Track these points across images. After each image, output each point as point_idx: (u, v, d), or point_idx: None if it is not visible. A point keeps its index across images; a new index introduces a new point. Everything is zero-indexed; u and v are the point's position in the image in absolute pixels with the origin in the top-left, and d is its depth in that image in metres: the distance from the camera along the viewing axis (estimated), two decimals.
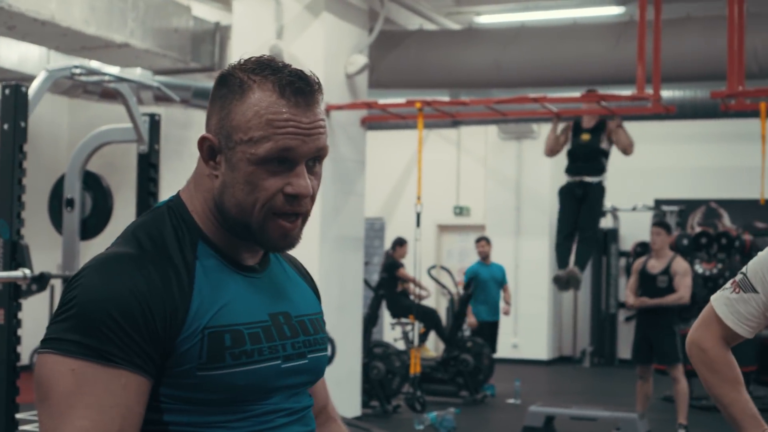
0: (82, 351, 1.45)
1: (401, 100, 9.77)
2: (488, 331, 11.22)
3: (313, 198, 1.61)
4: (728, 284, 2.58)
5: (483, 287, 11.26)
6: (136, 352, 1.48)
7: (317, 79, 1.62)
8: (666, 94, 9.88)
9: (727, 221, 11.17)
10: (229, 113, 1.57)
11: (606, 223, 14.13)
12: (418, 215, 9.26)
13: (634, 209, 13.90)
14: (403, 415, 9.51)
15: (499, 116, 10.27)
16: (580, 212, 9.12)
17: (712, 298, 2.60)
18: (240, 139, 1.55)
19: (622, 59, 9.66)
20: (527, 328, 12.11)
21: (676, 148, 14.43)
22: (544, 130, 13.90)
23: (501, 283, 11.46)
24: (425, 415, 9.00)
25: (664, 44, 8.79)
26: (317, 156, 1.60)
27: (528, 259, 14.07)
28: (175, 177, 12.87)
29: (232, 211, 1.59)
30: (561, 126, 9.39)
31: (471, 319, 11.14)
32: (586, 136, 9.11)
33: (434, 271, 12.39)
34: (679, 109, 10.15)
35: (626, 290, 8.98)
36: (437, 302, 14.34)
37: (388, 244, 13.41)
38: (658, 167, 14.46)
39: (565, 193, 9.22)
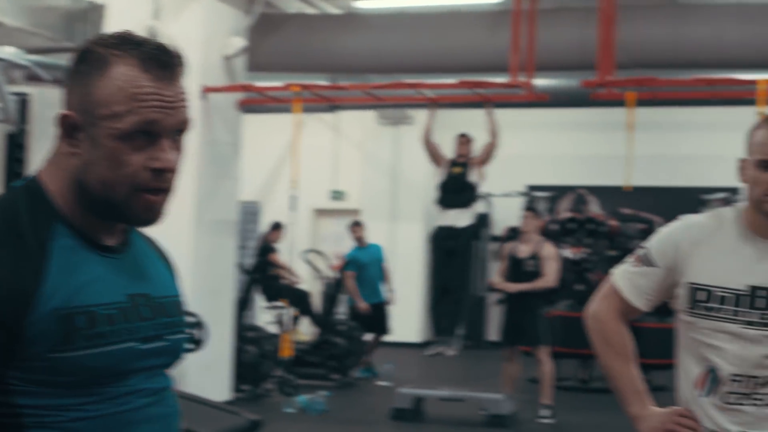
0: None
1: (279, 83, 9.72)
2: (375, 313, 11.24)
3: (177, 172, 1.60)
4: (629, 259, 2.63)
5: (364, 270, 11.27)
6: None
7: (179, 52, 1.61)
8: (539, 82, 10.05)
9: (594, 207, 11.46)
10: (91, 89, 1.54)
11: (479, 208, 14.35)
12: (293, 199, 9.27)
13: (506, 195, 14.14)
14: (274, 398, 9.51)
15: (376, 101, 10.33)
16: (451, 270, 9.51)
17: (614, 271, 2.65)
18: (102, 115, 1.53)
19: (497, 47, 9.80)
20: (400, 312, 12.20)
21: (548, 136, 14.74)
22: (420, 116, 14.01)
23: (380, 262, 11.50)
24: (296, 399, 9.02)
25: (538, 34, 8.96)
26: (180, 129, 1.59)
27: (403, 244, 14.18)
28: (42, 157, 12.56)
29: (96, 189, 1.56)
30: (439, 154, 9.59)
31: (362, 304, 11.13)
32: (457, 169, 9.40)
33: (310, 254, 12.39)
34: (551, 97, 10.34)
35: (495, 274, 9.18)
36: (312, 286, 14.34)
37: (263, 229, 13.36)
38: (531, 154, 14.74)
39: (435, 243, 9.69)
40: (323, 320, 11.03)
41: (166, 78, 1.56)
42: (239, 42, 9.26)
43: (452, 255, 9.49)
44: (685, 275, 2.49)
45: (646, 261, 2.56)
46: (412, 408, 8.57)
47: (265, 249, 11.06)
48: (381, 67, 10.50)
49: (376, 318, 11.20)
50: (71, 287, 1.52)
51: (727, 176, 12.30)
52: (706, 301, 2.45)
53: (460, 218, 9.44)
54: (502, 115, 10.95)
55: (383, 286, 11.40)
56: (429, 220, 10.51)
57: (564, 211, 11.39)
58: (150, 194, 1.57)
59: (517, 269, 8.73)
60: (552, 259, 8.71)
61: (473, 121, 10.36)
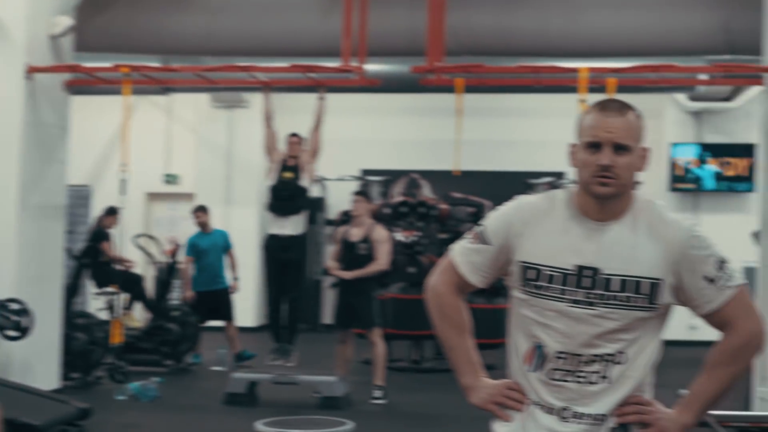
0: None
1: (109, 64, 9.51)
2: (212, 300, 11.01)
3: None
4: (467, 235, 2.68)
5: (204, 257, 11.10)
6: None
7: None
8: (371, 67, 10.15)
9: (427, 191, 11.67)
10: None
11: (314, 192, 14.40)
12: (123, 183, 9.10)
13: (340, 179, 14.25)
14: (105, 386, 9.35)
15: (209, 84, 10.22)
16: (285, 278, 9.60)
17: (452, 247, 2.71)
18: None
19: (329, 32, 9.87)
20: (235, 296, 12.16)
21: (381, 121, 14.90)
22: (255, 99, 13.95)
23: (225, 248, 11.31)
24: (127, 386, 8.89)
25: (370, 19, 9.05)
26: None
27: (238, 228, 14.07)
28: None
29: None
30: (275, 149, 9.62)
31: (188, 293, 10.93)
32: (288, 174, 9.41)
33: (141, 239, 12.18)
34: (383, 82, 10.48)
35: (330, 258, 9.26)
36: (144, 271, 14.12)
37: (94, 213, 13.06)
38: (364, 138, 14.88)
39: (268, 253, 9.66)
40: (156, 306, 10.88)
41: None
42: (66, 20, 9.02)
43: (286, 266, 9.54)
44: (516, 254, 2.55)
45: (482, 238, 2.61)
46: (246, 392, 8.57)
47: (98, 234, 10.79)
48: (214, 49, 10.41)
49: (219, 305, 11.03)
50: None
51: (552, 160, 12.80)
52: (536, 279, 2.52)
53: (292, 226, 9.47)
54: (336, 99, 11.01)
55: (228, 273, 11.23)
56: (263, 204, 10.49)
57: (397, 194, 11.56)
58: None
59: (350, 253, 8.83)
60: (383, 242, 8.84)
61: (307, 106, 10.38)
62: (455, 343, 2.67)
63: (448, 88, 9.65)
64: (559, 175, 12.68)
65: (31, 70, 8.77)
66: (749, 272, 10.01)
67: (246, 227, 14.34)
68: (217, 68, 9.41)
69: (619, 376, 2.51)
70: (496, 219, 2.62)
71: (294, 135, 9.62)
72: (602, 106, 2.53)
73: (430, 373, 10.67)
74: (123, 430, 7.70)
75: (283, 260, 9.50)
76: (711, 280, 2.49)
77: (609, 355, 2.50)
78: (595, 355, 2.50)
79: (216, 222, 14.18)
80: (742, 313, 2.52)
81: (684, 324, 13.30)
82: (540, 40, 9.99)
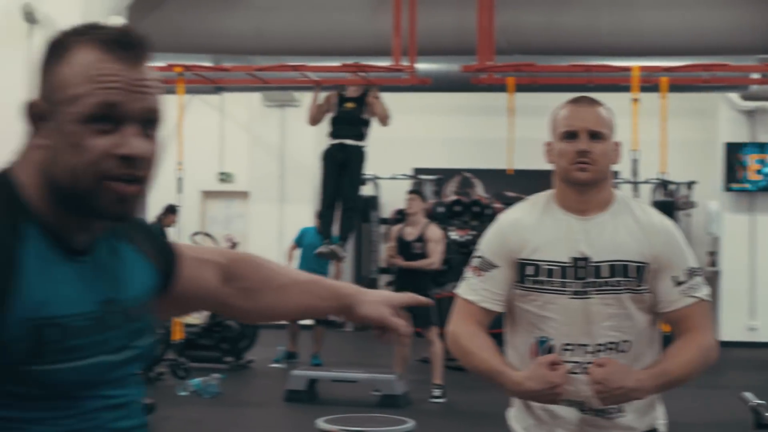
0: None
1: (162, 64, 9.66)
2: None
3: (152, 163, 1.51)
4: (467, 273, 2.73)
5: (306, 250, 10.99)
6: None
7: (145, 37, 1.53)
8: (422, 66, 10.22)
9: (479, 190, 11.70)
10: (52, 75, 1.48)
11: (367, 191, 14.49)
12: (180, 181, 9.24)
13: (393, 178, 14.32)
14: (167, 382, 9.51)
15: (261, 83, 10.34)
16: (342, 181, 9.28)
17: (458, 292, 2.76)
18: (63, 99, 1.46)
19: (379, 31, 9.93)
20: None
21: (433, 120, 14.94)
22: (306, 98, 14.05)
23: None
24: (189, 382, 9.04)
25: (419, 18, 9.09)
26: (149, 119, 1.51)
27: (292, 226, 14.21)
28: None
29: (63, 180, 1.46)
30: (322, 95, 9.53)
31: None
32: (350, 105, 9.27)
33: (198, 237, 12.36)
34: (434, 81, 10.53)
35: (385, 253, 9.28)
36: None
37: (150, 211, 13.26)
38: (416, 137, 14.93)
39: (327, 157, 9.31)
40: None
41: (130, 60, 1.48)
42: (118, 21, 9.18)
43: (344, 168, 9.22)
44: (512, 256, 2.65)
45: (485, 266, 2.68)
46: (306, 390, 8.67)
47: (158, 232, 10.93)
48: (265, 48, 10.52)
49: None
50: (42, 296, 1.44)
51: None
52: (535, 275, 2.60)
53: (353, 140, 9.20)
54: (387, 98, 11.08)
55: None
56: (317, 202, 10.60)
57: (450, 193, 11.61)
58: (119, 183, 1.47)
59: (405, 251, 8.91)
60: (437, 241, 8.89)
61: None
62: (485, 356, 2.65)
63: (499, 87, 9.70)
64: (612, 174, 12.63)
65: None
66: None
67: (299, 225, 14.44)
68: (268, 68, 9.52)
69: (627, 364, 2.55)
70: (489, 242, 2.71)
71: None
72: (574, 100, 2.69)
73: None
74: (186, 426, 7.85)
75: (342, 161, 9.19)
76: (679, 283, 2.59)
77: (612, 343, 2.57)
78: (600, 345, 2.57)
79: (269, 220, 14.38)
80: (699, 325, 2.61)
81: (743, 325, 13.24)
82: (591, 38, 9.99)
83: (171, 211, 11.27)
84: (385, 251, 9.45)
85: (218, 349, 10.67)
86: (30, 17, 8.62)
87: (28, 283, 1.44)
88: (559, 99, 10.91)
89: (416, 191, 9.27)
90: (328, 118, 9.42)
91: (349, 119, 9.21)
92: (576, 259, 2.58)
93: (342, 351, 12.06)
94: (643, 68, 8.83)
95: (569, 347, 2.57)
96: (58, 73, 1.47)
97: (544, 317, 2.60)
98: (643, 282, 2.58)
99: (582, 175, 2.58)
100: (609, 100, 10.73)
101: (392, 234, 9.23)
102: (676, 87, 9.46)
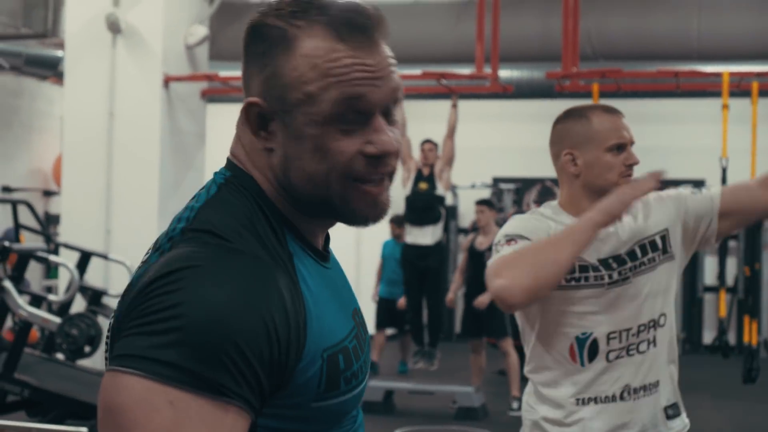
0: (186, 379, 1.11)
1: (236, 74, 9.62)
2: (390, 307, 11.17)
3: (398, 153, 1.32)
4: (500, 248, 2.55)
5: (386, 264, 11.23)
6: (252, 386, 1.15)
7: (377, 11, 1.32)
8: (504, 73, 10.06)
9: None
10: (276, 71, 1.28)
11: (447, 200, 14.34)
12: None
13: (472, 187, 14.14)
14: None
15: None
16: (424, 292, 9.70)
17: (490, 265, 2.54)
18: (296, 99, 1.26)
19: (461, 38, 9.81)
20: (365, 306, 12.21)
21: (514, 127, 14.74)
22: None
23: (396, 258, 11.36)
24: None
25: (502, 24, 8.94)
26: (393, 100, 1.31)
27: (371, 238, 14.09)
28: (5, 148, 12.41)
29: (304, 188, 1.29)
30: (410, 160, 9.56)
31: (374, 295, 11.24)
32: (424, 185, 9.38)
33: None
34: (516, 88, 10.35)
35: (456, 272, 9.17)
36: None
37: None
38: (496, 146, 14.74)
39: (406, 263, 9.68)
40: None
41: (366, 43, 1.28)
42: (202, 30, 9.17)
43: (425, 275, 9.57)
44: None
45: (517, 239, 2.55)
46: (383, 401, 8.54)
47: None
48: None
49: (389, 312, 11.10)
50: (325, 318, 1.27)
51: (691, 167, 12.45)
52: (572, 272, 2.56)
53: (430, 235, 9.47)
54: (468, 106, 10.95)
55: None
56: (395, 213, 10.52)
57: (531, 202, 11.41)
58: (370, 185, 1.29)
59: (478, 262, 8.73)
60: None
61: (439, 113, 10.33)
62: (557, 237, 2.47)
63: (584, 94, 9.47)
64: (699, 183, 12.31)
65: (169, 80, 8.94)
66: None
67: (380, 237, 14.34)
68: None
69: (663, 337, 2.61)
70: (520, 223, 2.63)
71: (428, 141, 9.57)
72: (611, 111, 2.66)
73: None
74: None
75: (422, 269, 9.50)
76: (695, 193, 2.69)
77: (652, 320, 2.59)
78: (642, 325, 2.57)
79: (348, 232, 14.27)
80: (740, 188, 2.70)
81: None
82: (679, 43, 9.72)
83: None
84: (457, 270, 9.36)
85: None
86: (114, 27, 8.65)
87: (314, 304, 1.26)
88: (645, 105, 10.80)
89: (485, 201, 9.19)
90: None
91: (424, 204, 9.37)
92: (601, 260, 2.59)
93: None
94: (733, 73, 8.51)
95: (613, 335, 2.55)
96: (285, 68, 1.27)
97: (581, 313, 2.56)
98: (670, 246, 2.64)
99: (625, 182, 2.61)
100: (698, 106, 10.50)
101: (464, 245, 9.13)
102: (767, 92, 9.12)
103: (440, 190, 9.47)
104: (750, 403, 9.28)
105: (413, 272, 9.63)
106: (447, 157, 9.40)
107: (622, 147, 2.61)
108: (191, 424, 1.11)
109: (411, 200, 9.49)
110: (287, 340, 1.19)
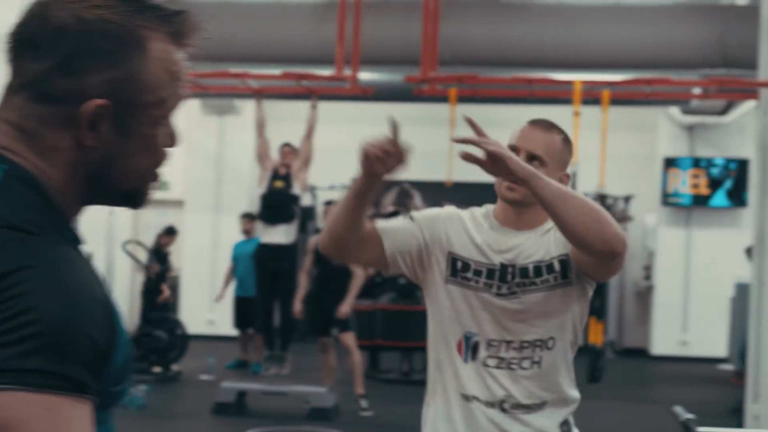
0: (58, 383, 1.09)
1: None
2: (246, 306, 11.26)
3: None
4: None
5: (237, 264, 11.38)
6: (96, 377, 1.15)
7: (197, 19, 1.38)
8: (364, 76, 10.12)
9: (418, 201, 11.62)
10: (132, 73, 1.26)
11: (305, 201, 14.34)
12: None
13: (331, 188, 14.18)
14: None
15: (200, 90, 10.15)
16: (275, 294, 9.74)
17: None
18: (148, 102, 1.28)
19: (322, 40, 9.82)
20: (222, 305, 12.09)
21: (373, 130, 14.50)
22: (246, 106, 13.89)
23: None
24: None
25: (363, 27, 9.00)
26: None
27: (227, 235, 14.00)
28: None
29: (124, 182, 1.30)
30: (267, 158, 9.56)
31: (165, 293, 11.06)
32: (279, 183, 9.37)
33: (130, 246, 12.10)
34: (375, 91, 10.42)
35: (300, 272, 9.13)
36: (132, 278, 14.04)
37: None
38: (356, 147, 14.73)
39: (258, 264, 9.74)
40: (143, 313, 10.81)
41: (190, 49, 1.35)
42: None
43: (277, 275, 9.57)
44: (442, 244, 2.68)
45: (411, 218, 2.73)
46: (235, 402, 8.49)
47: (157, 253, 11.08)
48: (205, 55, 10.30)
49: (246, 311, 11.21)
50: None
51: None
52: (465, 271, 2.64)
53: (283, 235, 9.46)
54: (328, 108, 10.97)
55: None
56: (252, 211, 10.49)
57: (388, 204, 11.50)
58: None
59: (325, 262, 8.73)
60: None
61: (299, 114, 10.33)
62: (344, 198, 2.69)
63: (441, 98, 9.62)
64: None
65: None
66: (743, 289, 9.98)
67: (236, 235, 14.26)
68: (208, 74, 9.36)
69: (550, 361, 2.60)
70: (426, 212, 2.78)
71: (286, 145, 9.59)
72: (533, 121, 2.73)
73: (420, 385, 10.53)
74: None
75: (274, 269, 9.45)
76: None
77: (539, 341, 2.60)
78: (525, 341, 2.59)
79: (205, 229, 14.16)
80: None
81: (675, 340, 13.31)
82: (534, 51, 9.96)
83: (170, 232, 11.37)
84: (301, 270, 9.31)
85: (146, 360, 10.46)
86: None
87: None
88: (500, 111, 11.00)
89: (332, 202, 9.24)
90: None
91: (279, 202, 9.39)
92: (504, 265, 2.63)
93: None
94: (585, 82, 8.79)
95: (494, 343, 2.59)
96: (141, 70, 1.27)
97: (471, 314, 2.61)
98: (568, 272, 2.61)
99: (509, 195, 2.64)
100: (551, 113, 10.73)
101: (310, 246, 9.08)
102: (617, 101, 9.44)
103: (296, 189, 9.49)
104: (595, 402, 9.58)
105: (265, 273, 9.62)
106: (304, 157, 9.42)
107: (513, 151, 2.59)
108: (71, 426, 1.10)
109: (266, 198, 9.48)
110: (115, 326, 1.20)
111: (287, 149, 9.54)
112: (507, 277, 2.61)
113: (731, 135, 13.60)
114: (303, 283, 8.96)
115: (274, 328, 9.90)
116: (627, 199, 12.72)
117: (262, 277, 9.68)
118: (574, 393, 2.68)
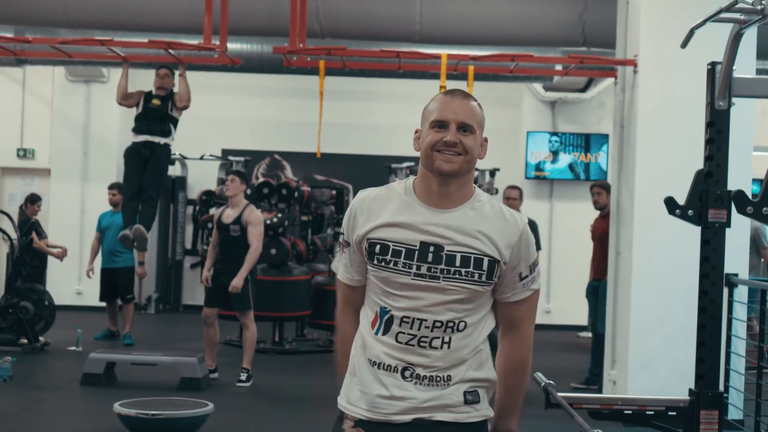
0: None
1: None
2: (111, 278, 11.22)
3: None
4: (336, 249, 2.88)
5: (105, 234, 11.26)
6: None
7: None
8: (233, 46, 10.10)
9: (289, 173, 11.67)
10: None
11: (174, 171, 14.22)
12: None
13: (201, 158, 14.11)
14: None
15: (65, 57, 9.97)
16: (144, 172, 9.09)
17: (333, 268, 2.87)
18: None
19: (191, 9, 9.75)
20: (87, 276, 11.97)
21: (243, 100, 14.79)
22: (114, 74, 13.68)
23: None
24: None
25: None
26: None
27: (94, 205, 13.80)
28: None
29: None
30: (133, 92, 9.27)
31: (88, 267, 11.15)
32: (156, 102, 9.10)
33: None
34: (245, 62, 10.43)
35: (209, 248, 9.00)
36: None
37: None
38: (226, 118, 14.76)
39: (130, 153, 9.12)
40: (9, 284, 10.61)
41: None
42: None
43: (147, 161, 9.02)
44: (360, 234, 2.71)
45: (345, 244, 2.78)
46: (104, 373, 8.44)
47: None
48: (71, 21, 10.15)
49: (113, 283, 11.14)
50: None
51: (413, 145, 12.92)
52: (383, 254, 2.65)
53: (159, 138, 9.04)
54: (197, 77, 10.91)
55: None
56: (121, 179, 10.35)
57: (259, 175, 11.53)
58: None
59: (225, 235, 8.75)
60: (256, 224, 8.74)
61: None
62: (341, 367, 2.83)
63: (310, 70, 9.69)
64: (418, 161, 12.82)
65: None
66: None
67: (102, 204, 14.07)
68: (73, 41, 9.21)
69: (459, 342, 2.65)
70: (345, 220, 2.80)
71: (163, 67, 9.25)
72: (449, 92, 2.73)
73: (292, 355, 10.70)
74: None
75: (146, 157, 9.01)
76: (522, 278, 2.73)
77: (451, 322, 2.63)
78: (438, 321, 2.63)
79: (72, 199, 13.93)
80: (528, 316, 2.80)
81: (539, 309, 13.72)
82: (404, 26, 10.08)
83: (33, 200, 11.11)
84: (211, 245, 9.11)
85: (12, 331, 10.29)
86: None
87: None
88: (369, 84, 11.13)
89: (237, 172, 9.09)
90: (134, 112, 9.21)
91: (156, 116, 9.03)
92: (425, 244, 2.64)
93: (146, 333, 11.80)
94: (451, 56, 8.98)
95: (407, 320, 2.63)
96: None
97: (388, 292, 2.66)
98: (493, 276, 2.66)
99: (447, 166, 2.63)
100: (419, 86, 10.93)
101: (214, 219, 9.03)
102: (482, 76, 9.67)
103: (174, 113, 9.15)
104: None
105: (136, 161, 9.09)
106: (183, 101, 9.11)
107: (442, 125, 2.64)
108: None
109: (140, 114, 9.12)
110: None
111: (163, 72, 9.22)
112: (428, 257, 2.62)
113: (591, 111, 14.06)
114: (211, 255, 8.85)
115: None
116: (493, 172, 13.00)
117: (131, 165, 9.08)
118: (489, 374, 2.75)
